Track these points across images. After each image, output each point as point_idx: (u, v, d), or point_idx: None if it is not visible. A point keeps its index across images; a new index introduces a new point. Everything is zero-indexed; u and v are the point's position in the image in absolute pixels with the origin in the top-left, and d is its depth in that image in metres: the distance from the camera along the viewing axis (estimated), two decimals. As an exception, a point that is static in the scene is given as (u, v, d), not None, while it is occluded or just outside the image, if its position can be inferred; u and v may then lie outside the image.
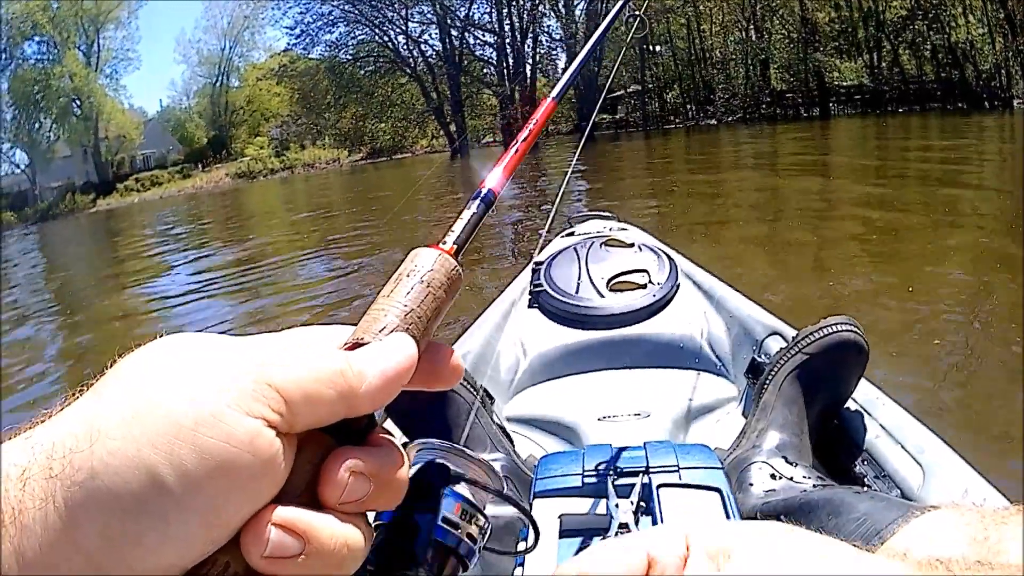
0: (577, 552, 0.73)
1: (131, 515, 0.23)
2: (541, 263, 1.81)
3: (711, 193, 7.24)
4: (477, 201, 0.37)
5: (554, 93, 0.52)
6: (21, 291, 9.79)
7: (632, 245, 1.84)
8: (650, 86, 27.11)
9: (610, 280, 1.67)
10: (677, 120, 26.30)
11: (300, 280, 6.16)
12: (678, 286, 1.66)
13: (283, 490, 0.26)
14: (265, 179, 31.50)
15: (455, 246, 0.34)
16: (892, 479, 1.00)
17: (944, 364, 2.47)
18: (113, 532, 0.23)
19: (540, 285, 1.69)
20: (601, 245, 1.84)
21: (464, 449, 0.39)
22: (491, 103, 28.04)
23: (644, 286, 1.64)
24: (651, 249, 1.82)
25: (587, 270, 1.72)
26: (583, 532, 0.79)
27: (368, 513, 0.28)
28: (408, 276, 0.31)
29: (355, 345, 0.29)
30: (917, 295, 3.14)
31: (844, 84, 23.58)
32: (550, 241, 2.13)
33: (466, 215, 0.36)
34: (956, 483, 0.90)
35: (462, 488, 0.38)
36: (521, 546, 0.81)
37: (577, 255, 1.79)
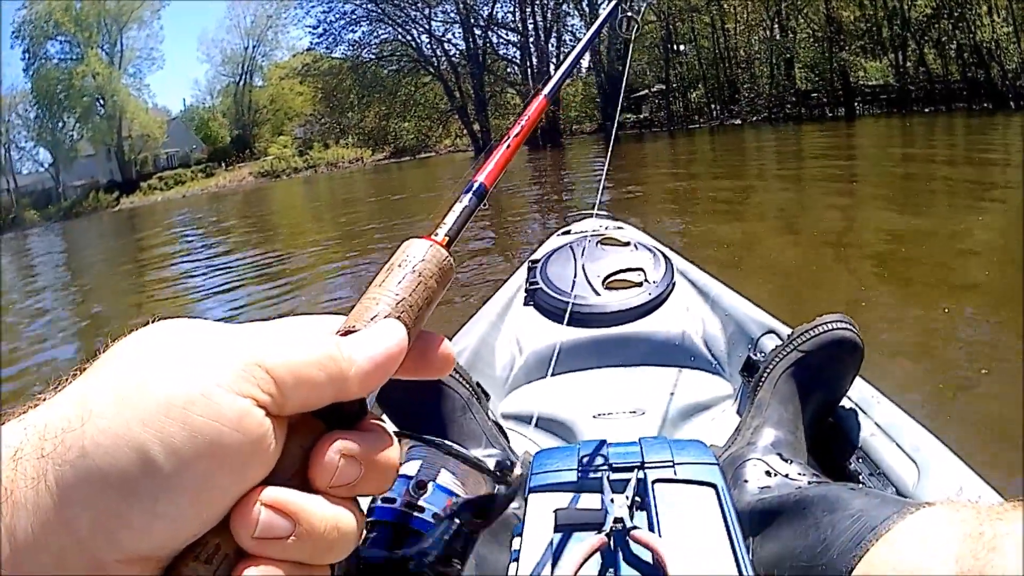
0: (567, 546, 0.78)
1: (121, 493, 0.23)
2: (537, 261, 1.85)
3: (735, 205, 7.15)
4: (469, 194, 0.37)
5: (546, 90, 0.55)
6: (42, 285, 10.28)
7: (628, 244, 1.88)
8: (674, 85, 27.65)
9: (606, 278, 1.70)
10: (701, 120, 26.74)
11: (323, 278, 6.26)
12: (674, 284, 1.70)
13: (273, 473, 0.26)
14: (288, 178, 32.37)
15: (447, 237, 0.35)
16: (887, 476, 1.02)
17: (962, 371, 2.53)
18: (103, 511, 0.23)
19: (536, 283, 1.73)
20: (597, 243, 1.87)
21: (454, 446, 0.41)
22: (515, 102, 28.64)
23: (640, 284, 1.68)
24: (647, 247, 1.85)
25: (583, 268, 1.75)
26: (578, 527, 0.82)
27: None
28: (400, 266, 0.32)
29: (347, 332, 0.29)
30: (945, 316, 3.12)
31: (869, 84, 23.98)
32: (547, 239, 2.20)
33: (458, 208, 0.36)
34: (951, 480, 0.92)
35: (452, 484, 0.40)
36: (515, 543, 0.83)
37: (573, 253, 1.82)
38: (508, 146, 0.43)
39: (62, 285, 10.02)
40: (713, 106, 27.13)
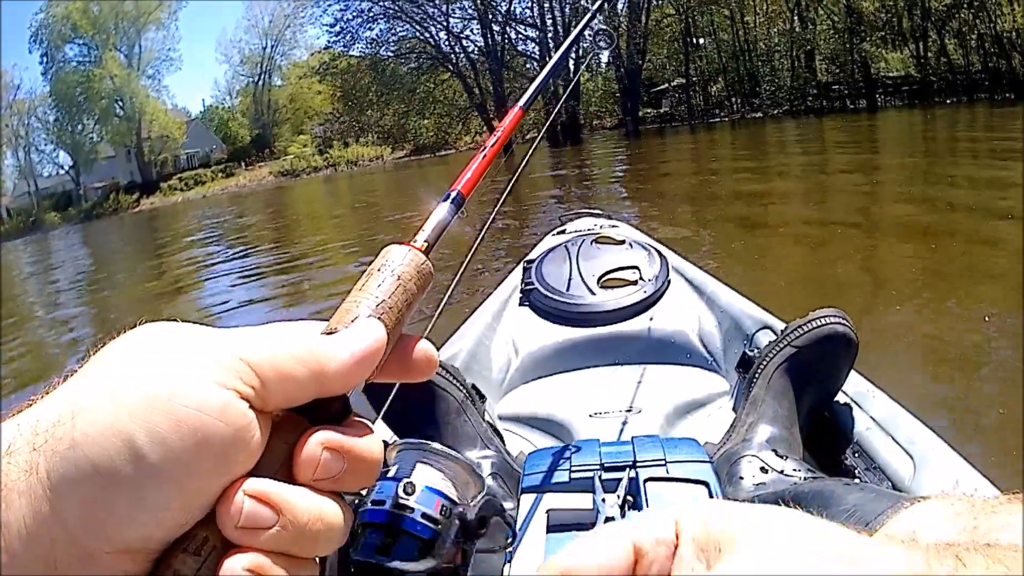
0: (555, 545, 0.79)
1: (109, 482, 0.24)
2: (532, 261, 1.88)
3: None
4: (447, 203, 0.40)
5: (521, 102, 0.62)
6: (63, 287, 10.65)
7: (623, 242, 1.91)
8: (694, 79, 28.23)
9: (601, 277, 1.73)
10: (722, 113, 27.23)
11: (344, 278, 6.28)
12: (669, 282, 1.72)
13: (258, 466, 0.28)
14: (308, 177, 33.29)
15: (426, 243, 0.36)
16: (883, 471, 1.03)
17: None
18: (92, 500, 0.24)
19: (531, 283, 1.76)
20: (592, 242, 1.90)
21: (444, 448, 0.43)
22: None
23: (635, 283, 1.70)
24: (642, 246, 1.88)
25: (578, 267, 1.77)
26: (570, 527, 0.83)
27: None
28: (380, 271, 0.33)
29: (329, 333, 0.31)
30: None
31: (891, 75, 24.43)
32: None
33: (436, 215, 0.39)
34: (947, 474, 0.93)
35: (443, 485, 0.42)
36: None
37: (568, 253, 1.85)
38: (484, 156, 0.47)
39: (82, 287, 10.43)
40: (734, 99, 27.65)
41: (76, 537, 0.24)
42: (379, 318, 0.31)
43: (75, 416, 0.25)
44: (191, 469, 0.25)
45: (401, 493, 0.41)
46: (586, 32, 0.96)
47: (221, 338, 0.29)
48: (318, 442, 0.28)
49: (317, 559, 0.29)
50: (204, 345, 0.28)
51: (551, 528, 0.84)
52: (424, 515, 0.40)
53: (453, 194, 0.41)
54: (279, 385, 0.28)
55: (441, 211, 0.39)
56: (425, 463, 0.43)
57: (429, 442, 0.48)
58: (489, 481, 1.04)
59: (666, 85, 29.26)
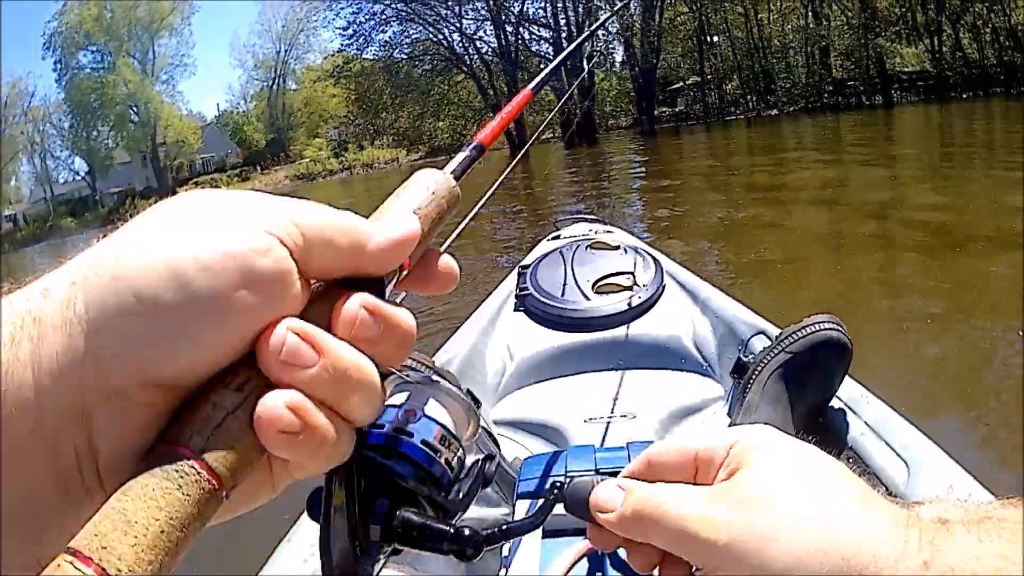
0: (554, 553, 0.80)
1: (152, 312, 0.25)
2: (527, 267, 1.91)
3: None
4: (470, 148, 0.44)
5: (531, 86, 0.62)
6: None
7: (618, 247, 1.94)
8: (709, 77, 28.48)
9: (596, 282, 1.76)
10: (737, 111, 27.44)
11: None
12: (663, 287, 1.74)
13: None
14: (324, 180, 33.67)
15: (453, 173, 0.39)
16: (877, 476, 1.05)
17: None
18: (130, 333, 0.25)
19: (526, 288, 1.79)
20: (587, 248, 1.94)
21: (447, 384, 0.43)
22: (549, 98, 29.40)
23: (629, 288, 1.72)
24: (636, 251, 1.91)
25: (573, 273, 1.81)
26: (566, 532, 0.83)
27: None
28: (415, 184, 0.36)
29: None
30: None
31: (906, 70, 24.64)
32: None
33: (461, 155, 0.42)
34: (941, 479, 0.95)
35: (440, 415, 0.43)
36: (505, 548, 0.84)
37: (563, 258, 1.89)
38: (503, 116, 0.50)
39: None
40: (749, 97, 27.84)
41: (107, 373, 0.25)
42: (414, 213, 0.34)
43: (118, 256, 0.26)
44: (234, 301, 0.26)
45: (401, 418, 0.45)
46: (581, 50, 1.04)
47: (270, 199, 0.30)
48: (358, 301, 0.29)
49: (353, 433, 0.29)
50: (254, 200, 0.29)
51: (546, 533, 0.85)
52: (423, 441, 0.43)
53: (474, 143, 0.45)
54: (320, 250, 0.29)
55: (465, 152, 0.43)
56: (427, 394, 0.47)
57: (432, 375, 0.52)
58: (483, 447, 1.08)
59: (681, 83, 29.56)
